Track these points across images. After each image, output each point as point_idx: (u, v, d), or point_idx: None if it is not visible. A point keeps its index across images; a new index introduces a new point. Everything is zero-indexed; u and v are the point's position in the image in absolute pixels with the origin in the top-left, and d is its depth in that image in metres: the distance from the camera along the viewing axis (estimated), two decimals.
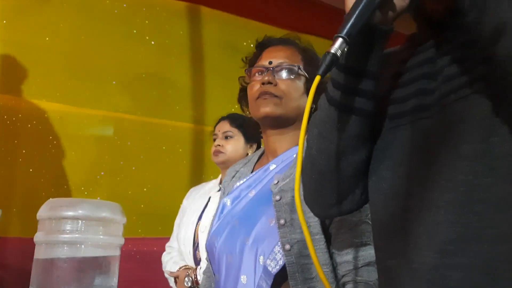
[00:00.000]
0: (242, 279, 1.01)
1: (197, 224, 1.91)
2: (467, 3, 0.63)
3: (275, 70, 1.11)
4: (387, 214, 0.68)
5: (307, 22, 3.11)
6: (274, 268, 0.97)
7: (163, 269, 1.99)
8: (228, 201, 1.15)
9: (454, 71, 0.62)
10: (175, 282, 1.88)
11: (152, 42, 2.85)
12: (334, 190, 0.74)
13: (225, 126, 2.00)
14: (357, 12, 0.60)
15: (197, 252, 1.88)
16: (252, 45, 1.24)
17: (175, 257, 1.97)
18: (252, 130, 2.00)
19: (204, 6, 3.03)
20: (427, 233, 0.60)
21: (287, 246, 0.96)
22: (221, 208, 1.16)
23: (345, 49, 0.59)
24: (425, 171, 0.63)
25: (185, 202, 2.11)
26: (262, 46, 1.19)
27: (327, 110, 0.71)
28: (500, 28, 0.54)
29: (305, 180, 0.79)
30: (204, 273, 1.27)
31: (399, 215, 0.65)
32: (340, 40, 0.59)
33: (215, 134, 2.03)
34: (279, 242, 0.98)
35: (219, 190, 1.97)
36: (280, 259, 0.97)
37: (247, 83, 1.17)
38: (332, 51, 0.59)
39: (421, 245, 0.61)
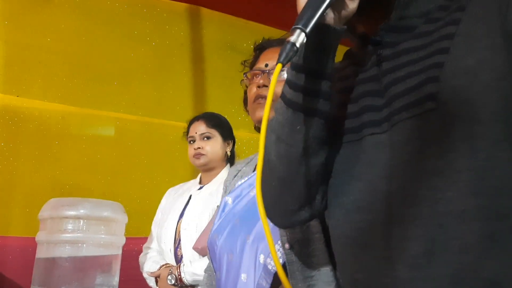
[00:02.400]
0: (242, 277, 1.02)
1: (178, 222, 1.92)
2: (395, 22, 0.68)
3: (270, 73, 1.12)
4: (351, 229, 0.68)
5: None
6: (274, 266, 0.98)
7: (141, 270, 1.97)
8: (229, 199, 1.16)
9: (402, 88, 0.64)
10: (156, 281, 1.87)
11: (153, 43, 2.86)
12: (295, 196, 0.73)
13: (202, 127, 2.00)
14: (312, 6, 0.62)
15: (178, 249, 1.87)
16: (252, 46, 1.25)
17: (154, 257, 1.95)
18: (227, 128, 2.04)
19: (204, 7, 3.04)
20: (397, 248, 0.61)
21: (287, 245, 0.97)
22: (222, 206, 1.18)
23: (304, 41, 0.60)
24: (387, 186, 0.64)
25: (164, 202, 2.10)
26: (260, 48, 1.21)
27: (285, 113, 0.70)
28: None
29: (264, 189, 0.76)
30: (205, 271, 1.28)
31: (365, 229, 0.66)
32: (298, 31, 0.60)
33: (191, 136, 2.01)
34: (279, 241, 0.99)
35: (199, 189, 1.98)
36: (280, 258, 0.98)
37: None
38: (292, 40, 0.59)
39: (391, 259, 0.62)
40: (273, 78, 0.60)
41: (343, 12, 0.66)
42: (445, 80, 0.60)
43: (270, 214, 0.78)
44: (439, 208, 0.58)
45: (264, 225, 0.56)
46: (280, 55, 0.59)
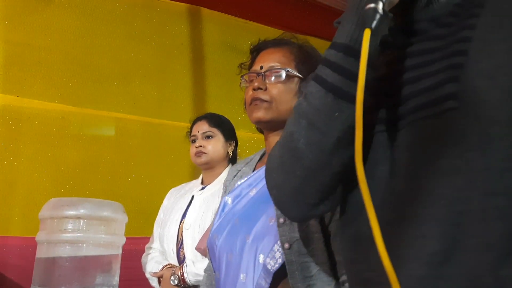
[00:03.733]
0: (241, 277, 1.02)
1: (181, 222, 1.92)
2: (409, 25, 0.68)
3: (265, 75, 1.12)
4: (362, 226, 0.67)
5: (307, 23, 3.12)
6: (273, 266, 0.98)
7: (144, 270, 1.97)
8: (229, 199, 1.17)
9: (417, 88, 0.64)
10: (159, 282, 1.87)
11: (153, 43, 2.86)
12: (319, 188, 0.70)
13: (204, 127, 2.01)
14: None
15: (180, 250, 1.88)
16: (252, 46, 1.26)
17: (156, 257, 1.95)
18: (230, 128, 2.06)
19: (204, 7, 3.05)
20: (412, 246, 0.61)
21: (287, 245, 0.97)
22: (222, 206, 1.18)
23: (382, 9, 0.58)
24: (400, 184, 0.64)
25: (166, 202, 2.10)
26: (256, 50, 1.21)
27: (323, 97, 0.66)
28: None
29: (283, 178, 0.73)
30: (205, 271, 1.28)
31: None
32: (380, 2, 0.58)
33: (193, 135, 2.03)
34: (278, 241, 0.99)
35: (201, 189, 1.99)
36: (279, 257, 0.98)
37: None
38: (373, 6, 0.57)
39: (406, 257, 0.61)
40: (364, 46, 0.56)
41: None
42: (465, 81, 0.60)
43: (288, 206, 0.76)
44: (457, 207, 0.58)
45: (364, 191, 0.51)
46: (364, 21, 0.57)
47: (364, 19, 0.57)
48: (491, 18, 0.63)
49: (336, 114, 0.65)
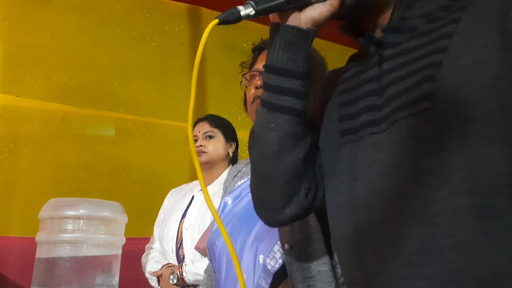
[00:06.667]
0: None
1: (180, 222, 1.93)
2: (396, 22, 0.70)
3: None
4: (348, 227, 0.70)
5: None
6: (273, 267, 0.98)
7: (144, 270, 1.98)
8: (229, 200, 1.17)
9: (400, 88, 0.65)
10: (158, 281, 1.88)
11: (153, 43, 2.85)
12: (277, 193, 0.75)
13: (205, 127, 2.02)
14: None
15: (180, 250, 1.89)
16: (252, 46, 1.25)
17: (156, 257, 1.96)
18: (231, 130, 2.07)
19: (205, 7, 3.04)
20: (391, 246, 0.62)
21: (287, 246, 0.97)
22: (222, 206, 1.18)
23: (250, 15, 0.65)
24: (383, 185, 0.65)
25: (166, 202, 2.12)
26: (258, 49, 1.21)
27: (261, 112, 0.73)
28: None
29: (251, 187, 0.81)
30: (205, 271, 1.28)
31: (361, 228, 0.67)
32: (250, 5, 0.66)
33: (195, 136, 2.03)
34: (278, 242, 0.99)
35: (201, 190, 1.98)
36: (280, 258, 0.98)
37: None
38: (238, 8, 0.65)
39: (386, 257, 0.63)
40: (205, 33, 0.65)
41: (312, 14, 0.69)
42: (441, 79, 0.60)
43: (259, 212, 0.82)
44: (433, 207, 0.59)
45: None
46: (221, 14, 0.65)
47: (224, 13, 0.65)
48: (476, 11, 0.63)
49: (272, 125, 0.72)
